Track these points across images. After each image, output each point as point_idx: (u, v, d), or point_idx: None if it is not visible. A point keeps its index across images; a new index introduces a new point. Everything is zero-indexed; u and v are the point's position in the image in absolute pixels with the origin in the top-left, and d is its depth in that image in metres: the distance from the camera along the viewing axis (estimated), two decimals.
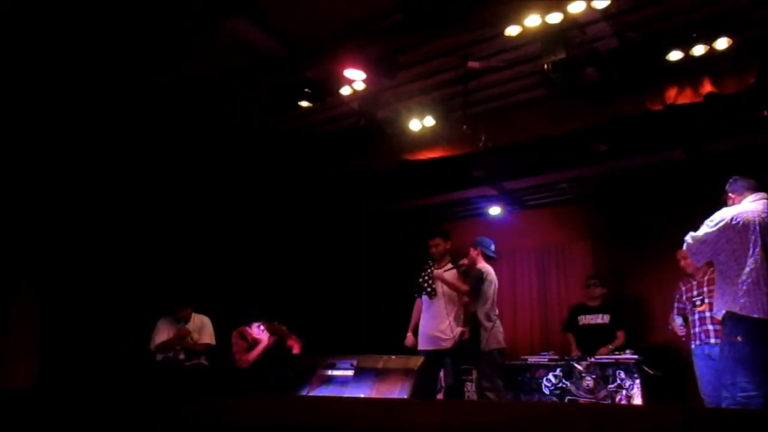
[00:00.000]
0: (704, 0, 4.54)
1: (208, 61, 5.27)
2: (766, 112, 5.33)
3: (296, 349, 5.64)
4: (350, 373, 4.73)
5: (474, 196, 7.90)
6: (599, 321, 6.67)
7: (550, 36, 4.61)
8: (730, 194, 3.95)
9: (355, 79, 5.17)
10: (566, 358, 6.32)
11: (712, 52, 4.66)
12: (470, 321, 5.62)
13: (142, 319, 6.05)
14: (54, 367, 5.86)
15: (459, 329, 5.54)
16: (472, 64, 5.21)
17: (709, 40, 4.61)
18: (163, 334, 5.89)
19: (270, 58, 5.20)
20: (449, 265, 5.79)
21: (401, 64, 5.14)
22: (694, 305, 5.17)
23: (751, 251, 3.61)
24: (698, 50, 4.66)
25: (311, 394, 4.59)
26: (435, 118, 5.83)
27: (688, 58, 4.73)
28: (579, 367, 6.05)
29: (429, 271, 5.81)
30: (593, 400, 5.90)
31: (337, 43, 4.98)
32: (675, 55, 4.74)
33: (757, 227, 3.63)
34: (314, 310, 7.33)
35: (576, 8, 4.32)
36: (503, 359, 5.80)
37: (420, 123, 5.87)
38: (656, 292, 6.90)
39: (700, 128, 5.75)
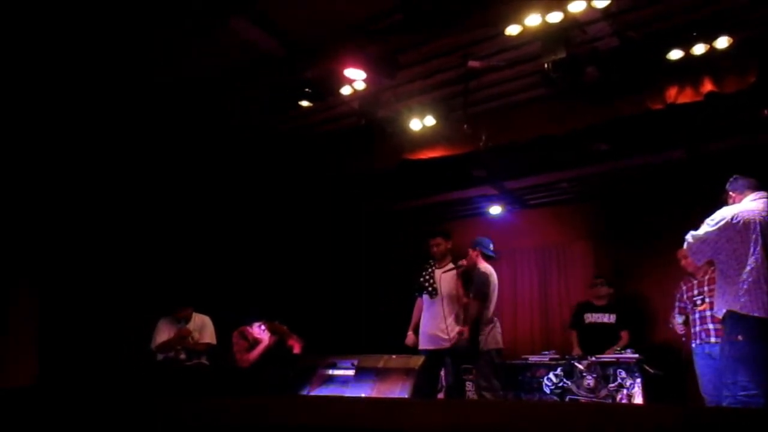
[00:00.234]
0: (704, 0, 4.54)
1: (208, 61, 5.27)
2: (766, 112, 5.33)
3: (297, 349, 5.65)
4: (351, 372, 4.72)
5: (474, 196, 7.90)
6: (605, 320, 6.67)
7: (550, 35, 4.61)
8: (730, 193, 3.95)
9: (356, 78, 5.17)
10: (567, 357, 6.33)
11: (712, 51, 4.66)
12: (475, 321, 5.56)
13: (142, 318, 6.05)
14: (54, 366, 5.86)
15: (458, 329, 5.53)
16: (473, 63, 5.21)
17: (709, 39, 4.61)
18: (163, 333, 5.89)
19: (270, 58, 5.20)
20: (450, 265, 5.78)
21: (401, 64, 5.13)
22: (695, 304, 5.18)
23: (751, 250, 3.61)
24: (699, 49, 4.65)
25: (312, 393, 4.59)
26: (435, 117, 5.83)
27: (689, 57, 4.73)
28: (580, 367, 6.05)
29: (430, 270, 5.81)
30: (594, 400, 5.89)
31: (337, 43, 4.98)
32: (675, 54, 4.74)
33: (758, 226, 3.63)
34: (315, 310, 7.33)
35: (576, 7, 4.32)
36: (501, 359, 5.81)
37: (420, 122, 5.87)
38: (657, 291, 6.91)
39: (700, 128, 5.75)
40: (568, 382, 6.09)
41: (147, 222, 6.65)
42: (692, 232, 3.86)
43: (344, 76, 5.15)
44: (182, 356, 5.89)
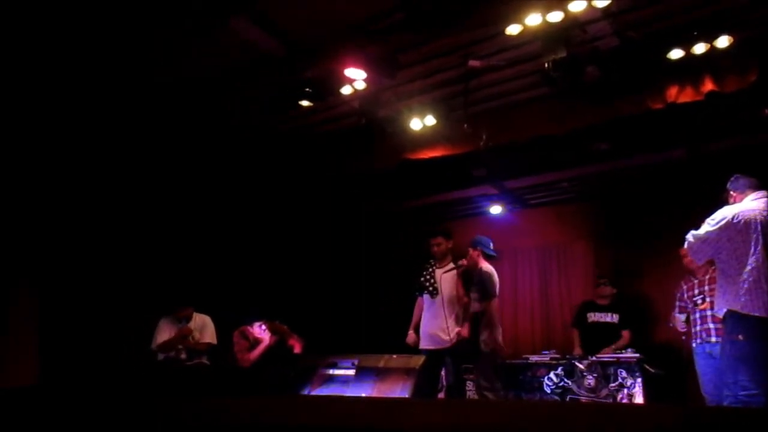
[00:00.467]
0: None
1: (208, 61, 5.27)
2: (767, 111, 5.33)
3: (297, 349, 5.65)
4: (351, 372, 4.72)
5: (475, 195, 7.89)
6: (608, 320, 6.67)
7: (550, 35, 4.61)
8: (731, 192, 3.95)
9: (356, 78, 5.17)
10: (567, 356, 6.33)
11: (713, 51, 4.66)
12: (475, 321, 5.56)
13: (143, 318, 6.05)
14: (55, 366, 5.86)
15: (457, 329, 5.53)
16: (473, 63, 5.21)
17: (710, 38, 4.61)
18: (164, 333, 5.89)
19: (270, 58, 5.20)
20: (451, 265, 5.78)
21: (402, 64, 5.13)
22: (695, 304, 5.18)
23: (752, 250, 3.61)
24: (699, 48, 4.65)
25: (312, 393, 4.59)
26: (436, 117, 5.83)
27: (689, 57, 4.72)
28: (580, 366, 6.05)
29: (431, 270, 5.81)
30: (595, 399, 5.89)
31: (337, 43, 4.98)
32: (676, 54, 4.73)
33: (759, 226, 3.63)
34: (315, 310, 7.33)
35: (577, 7, 4.32)
36: (502, 359, 5.79)
37: (421, 122, 5.87)
38: (657, 291, 6.91)
39: (701, 127, 5.74)
40: (569, 382, 6.09)
41: (147, 222, 6.65)
42: (693, 232, 3.86)
43: (344, 76, 5.15)
44: (183, 356, 5.89)
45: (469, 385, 6.30)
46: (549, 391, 6.18)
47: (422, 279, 5.79)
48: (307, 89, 5.31)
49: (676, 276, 5.65)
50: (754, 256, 3.59)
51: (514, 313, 8.01)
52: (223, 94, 5.77)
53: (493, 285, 5.61)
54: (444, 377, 5.82)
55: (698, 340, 5.09)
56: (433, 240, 5.86)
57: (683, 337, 5.43)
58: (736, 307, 3.60)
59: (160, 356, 5.90)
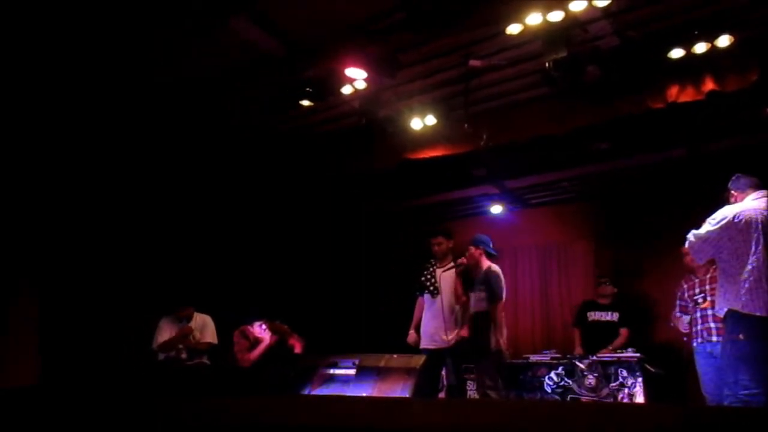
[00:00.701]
0: None
1: (208, 61, 5.27)
2: (767, 111, 5.32)
3: (298, 349, 5.65)
4: (352, 372, 4.72)
5: (475, 195, 7.89)
6: (608, 318, 6.68)
7: (551, 34, 4.61)
8: (732, 192, 3.94)
9: (356, 78, 5.17)
10: (568, 356, 6.33)
11: (713, 50, 4.65)
12: (482, 320, 5.51)
13: (143, 318, 6.05)
14: (55, 366, 5.86)
15: (457, 329, 5.52)
16: (474, 62, 5.21)
17: (710, 37, 4.60)
18: (165, 333, 5.89)
19: (270, 58, 5.20)
20: (451, 264, 5.78)
21: (402, 63, 5.13)
22: (696, 303, 5.17)
23: (753, 249, 3.60)
24: (700, 48, 4.65)
25: (313, 393, 4.59)
26: (436, 116, 5.83)
27: (690, 56, 4.72)
28: (581, 366, 6.05)
29: (431, 269, 5.81)
30: (595, 399, 5.89)
31: (337, 43, 4.98)
32: (676, 53, 4.73)
33: (760, 225, 3.63)
34: (316, 310, 7.33)
35: (577, 6, 4.32)
36: (506, 358, 5.78)
37: (421, 122, 5.87)
38: (657, 290, 6.91)
39: (701, 127, 5.74)
40: (570, 381, 6.08)
41: (148, 222, 6.65)
42: (694, 231, 3.86)
43: (345, 76, 5.15)
44: (183, 356, 5.89)
45: (470, 385, 6.29)
46: (550, 391, 6.18)
47: (423, 279, 5.79)
48: (308, 89, 5.32)
49: (676, 276, 5.65)
50: (755, 256, 3.59)
51: (515, 312, 8.00)
52: (223, 94, 5.77)
53: (502, 286, 5.51)
54: (445, 377, 5.82)
55: (699, 340, 5.09)
56: (434, 240, 5.86)
57: (685, 338, 5.42)
58: (737, 307, 3.60)
59: (161, 356, 5.90)
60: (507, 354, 5.74)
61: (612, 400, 5.80)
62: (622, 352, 6.05)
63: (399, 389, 4.30)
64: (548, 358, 6.38)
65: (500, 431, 1.89)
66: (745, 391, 3.47)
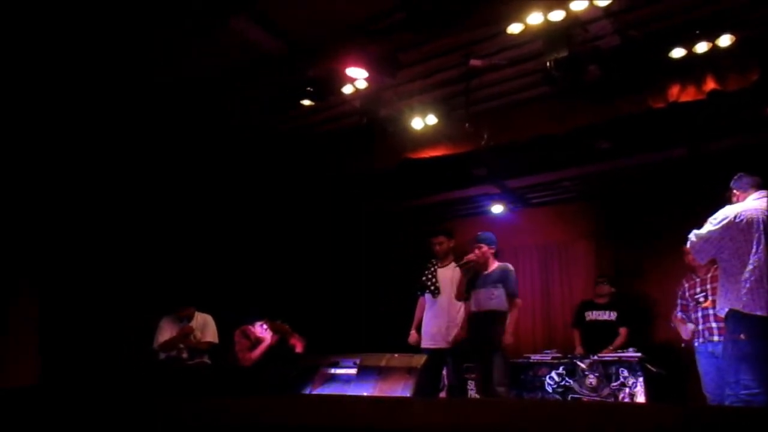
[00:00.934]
0: None
1: (209, 61, 5.27)
2: None
3: (299, 348, 5.65)
4: (353, 371, 4.73)
5: (476, 195, 7.89)
6: (606, 318, 6.69)
7: (552, 34, 4.61)
8: (734, 191, 3.93)
9: (357, 77, 5.17)
10: (569, 356, 6.33)
11: (714, 50, 4.65)
12: (498, 319, 5.35)
13: (144, 318, 6.05)
14: (56, 366, 5.87)
15: (456, 330, 5.50)
16: (474, 62, 5.21)
17: (711, 37, 4.60)
18: (166, 332, 5.89)
19: (271, 58, 5.20)
20: (452, 264, 5.77)
21: (403, 63, 5.13)
22: (698, 302, 5.16)
23: (754, 249, 3.60)
24: (701, 47, 4.64)
25: (314, 392, 4.60)
26: (437, 116, 5.82)
27: (691, 56, 4.72)
28: (582, 365, 6.04)
29: (432, 269, 5.80)
30: (596, 399, 5.89)
31: (338, 42, 4.98)
32: (677, 53, 4.73)
33: (761, 225, 3.62)
34: (317, 309, 7.33)
35: (578, 6, 4.32)
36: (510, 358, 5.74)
37: (422, 121, 5.86)
38: (658, 290, 6.90)
39: (702, 126, 5.74)
40: (571, 381, 6.08)
41: (148, 221, 6.65)
42: (695, 231, 3.85)
43: (345, 75, 5.15)
44: (184, 355, 5.89)
45: (471, 385, 6.29)
46: (551, 391, 6.18)
47: (424, 278, 5.79)
48: (309, 88, 5.32)
49: (677, 275, 5.64)
50: (756, 256, 3.58)
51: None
52: (223, 94, 5.77)
53: (515, 283, 5.48)
54: (446, 377, 5.82)
55: (700, 339, 5.08)
56: (435, 239, 5.86)
57: (683, 344, 5.41)
58: (738, 307, 3.59)
59: (162, 355, 5.90)
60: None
61: (613, 399, 5.79)
62: (623, 352, 6.05)
63: (400, 389, 4.31)
64: (549, 358, 6.38)
65: (501, 431, 1.89)
66: (746, 391, 3.47)
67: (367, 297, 8.09)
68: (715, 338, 4.90)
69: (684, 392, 6.05)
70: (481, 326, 5.30)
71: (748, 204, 3.76)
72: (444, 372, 5.80)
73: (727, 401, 3.63)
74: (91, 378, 5.75)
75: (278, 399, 3.03)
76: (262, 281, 6.93)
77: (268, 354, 5.57)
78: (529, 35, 4.72)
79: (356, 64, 5.02)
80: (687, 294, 5.30)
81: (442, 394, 5.90)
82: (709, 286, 5.05)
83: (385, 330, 6.47)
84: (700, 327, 5.09)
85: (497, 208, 7.93)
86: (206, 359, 6.02)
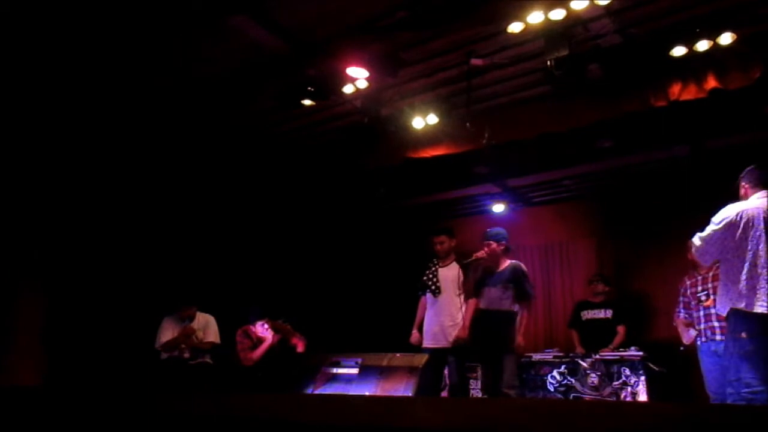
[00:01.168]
0: None
1: (210, 61, 5.27)
2: None
3: (300, 348, 5.65)
4: (355, 371, 4.73)
5: (478, 194, 7.90)
6: (601, 316, 6.69)
7: (553, 33, 4.61)
8: (743, 184, 3.89)
9: (358, 77, 5.17)
10: (571, 355, 6.32)
11: (716, 48, 4.64)
12: (510, 320, 5.25)
13: (147, 318, 6.06)
14: (60, 365, 5.88)
15: (457, 329, 5.49)
16: (476, 61, 5.21)
17: (713, 35, 4.59)
18: (168, 332, 5.91)
19: (273, 57, 5.20)
20: (454, 263, 5.77)
21: (404, 62, 5.14)
22: (699, 300, 5.14)
23: (755, 248, 3.60)
24: (702, 45, 4.63)
25: (316, 392, 4.60)
26: (438, 115, 5.82)
27: (692, 54, 4.71)
28: (584, 364, 6.04)
29: (434, 269, 5.80)
30: (598, 397, 5.89)
31: (339, 42, 4.98)
32: (679, 51, 4.72)
33: (761, 223, 3.62)
34: (318, 309, 7.33)
35: (579, 5, 4.32)
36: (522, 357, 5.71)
37: (423, 120, 5.86)
38: (660, 288, 6.90)
39: (704, 124, 5.73)
40: (572, 380, 6.08)
41: (152, 222, 6.66)
42: (699, 234, 3.84)
43: (347, 75, 5.15)
44: (186, 355, 5.90)
45: (473, 384, 6.29)
46: (552, 390, 6.18)
47: (425, 278, 5.78)
48: (310, 88, 5.32)
49: (678, 273, 5.62)
50: (756, 254, 3.58)
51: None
52: (224, 94, 5.77)
53: (528, 282, 5.31)
54: (447, 376, 5.82)
55: (702, 338, 5.07)
56: (436, 238, 5.84)
57: (681, 348, 5.39)
58: (739, 305, 3.59)
59: (164, 355, 5.91)
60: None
61: (615, 398, 5.79)
62: (624, 351, 6.04)
63: (402, 388, 4.30)
64: (551, 357, 6.38)
65: (502, 430, 1.89)
66: (748, 389, 3.46)
67: (370, 296, 8.09)
68: (718, 337, 4.89)
69: (686, 391, 6.05)
70: (491, 326, 5.17)
71: (751, 203, 3.75)
72: (445, 371, 5.80)
73: (729, 399, 3.63)
74: (94, 377, 5.76)
75: (281, 398, 3.03)
76: (264, 281, 6.94)
77: (269, 354, 5.58)
78: (530, 34, 4.72)
79: (357, 63, 5.02)
80: (689, 291, 5.28)
81: (444, 394, 5.90)
82: (710, 285, 5.04)
83: (386, 329, 6.46)
84: (702, 326, 5.08)
85: (498, 207, 7.92)
86: (208, 359, 6.03)
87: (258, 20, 4.73)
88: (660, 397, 5.81)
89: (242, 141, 6.63)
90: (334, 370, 4.86)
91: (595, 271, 7.28)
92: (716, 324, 4.93)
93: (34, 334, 5.93)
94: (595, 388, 5.93)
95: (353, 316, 7.75)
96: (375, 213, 8.25)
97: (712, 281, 4.99)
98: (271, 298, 6.34)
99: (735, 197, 3.88)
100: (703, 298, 5.10)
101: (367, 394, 4.35)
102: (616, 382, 5.84)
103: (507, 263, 5.31)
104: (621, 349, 6.15)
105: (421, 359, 4.56)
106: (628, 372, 5.82)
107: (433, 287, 5.70)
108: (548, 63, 4.71)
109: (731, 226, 3.67)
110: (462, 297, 5.64)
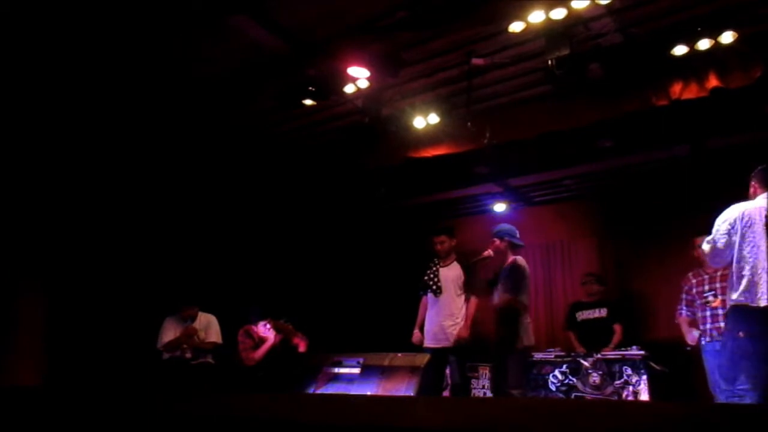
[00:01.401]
0: None
1: (211, 61, 5.28)
2: None
3: (302, 348, 5.65)
4: (356, 370, 4.74)
5: (479, 193, 7.89)
6: (596, 315, 6.68)
7: (554, 32, 4.61)
8: (753, 183, 3.89)
9: (359, 76, 5.17)
10: (572, 354, 6.31)
11: (717, 47, 4.63)
12: (508, 317, 5.12)
13: (148, 317, 6.07)
14: (61, 365, 5.89)
15: (458, 329, 5.48)
16: (476, 60, 5.21)
17: (713, 34, 4.58)
18: (169, 332, 5.91)
19: (274, 57, 5.20)
20: (455, 263, 5.77)
21: (405, 62, 5.13)
22: (706, 301, 5.09)
23: (755, 246, 3.61)
24: (703, 45, 4.63)
25: (317, 392, 4.60)
26: (439, 115, 5.82)
27: (693, 53, 4.70)
28: (585, 364, 6.04)
29: (434, 268, 5.80)
30: (600, 397, 5.89)
31: (340, 41, 4.98)
32: (680, 50, 4.71)
33: (762, 221, 3.63)
34: (320, 309, 7.33)
35: (580, 4, 4.32)
36: (529, 357, 5.65)
37: (424, 120, 5.86)
38: (661, 287, 6.88)
39: (705, 123, 5.72)
40: (574, 379, 6.08)
41: (153, 222, 6.66)
42: (707, 241, 3.83)
43: (347, 74, 5.15)
44: (188, 355, 5.90)
45: (474, 384, 6.28)
46: (554, 389, 6.18)
47: (426, 278, 5.78)
48: (310, 88, 5.32)
49: (680, 272, 5.60)
50: (755, 253, 3.60)
51: None
52: (224, 93, 5.77)
53: (525, 278, 5.19)
54: (449, 376, 5.81)
55: (707, 338, 5.03)
56: (436, 238, 5.84)
57: (687, 348, 5.37)
58: (740, 301, 3.61)
59: (166, 355, 5.92)
60: (531, 352, 5.44)
61: (616, 398, 5.79)
62: (626, 350, 6.03)
63: (403, 388, 4.31)
64: (553, 356, 6.37)
65: (504, 430, 1.89)
66: (742, 386, 3.48)
67: (371, 296, 8.09)
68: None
69: (688, 390, 6.04)
70: (497, 325, 5.14)
71: (755, 203, 3.76)
72: (447, 371, 5.79)
73: (722, 397, 3.66)
74: (95, 378, 5.76)
75: (283, 398, 3.03)
76: (265, 281, 6.94)
77: (271, 353, 5.58)
78: (531, 33, 4.72)
79: (358, 63, 5.02)
80: (694, 290, 5.23)
81: (446, 393, 5.90)
82: (718, 285, 5.00)
83: (388, 329, 6.46)
84: (708, 326, 5.04)
85: (499, 207, 7.92)
86: (210, 359, 6.03)
87: (258, 20, 4.73)
88: (662, 397, 5.80)
89: (242, 141, 6.63)
90: (336, 370, 4.87)
91: (588, 271, 7.24)
92: (723, 324, 4.91)
93: (34, 334, 5.93)
94: (597, 388, 5.93)
95: (355, 315, 7.75)
96: (376, 213, 8.25)
97: (720, 281, 4.95)
98: (273, 297, 6.34)
99: (736, 197, 3.89)
100: (711, 298, 5.05)
101: (368, 393, 4.35)
102: (618, 382, 5.84)
103: (511, 260, 5.26)
104: (623, 349, 6.14)
105: (422, 359, 4.56)
106: (629, 371, 5.81)
107: (434, 287, 5.70)
108: (549, 62, 4.71)
109: (734, 226, 3.68)
110: (463, 297, 5.65)
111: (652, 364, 5.85)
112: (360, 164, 6.67)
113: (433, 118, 5.83)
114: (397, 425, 2.04)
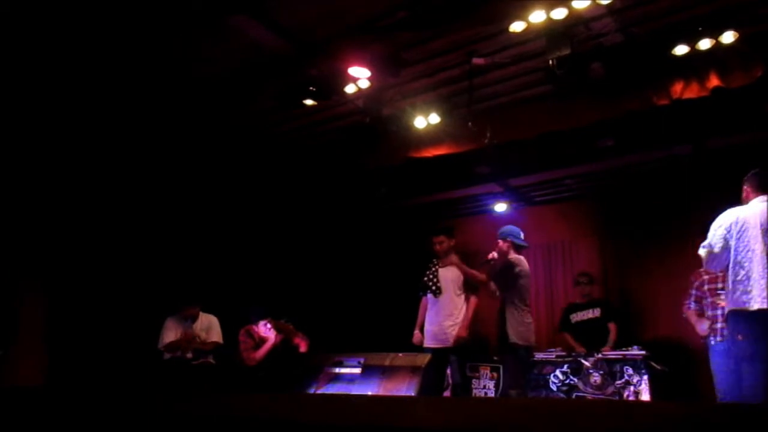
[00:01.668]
0: None
1: (211, 61, 5.28)
2: None
3: (303, 348, 5.66)
4: (357, 370, 4.74)
5: (480, 193, 7.89)
6: (590, 315, 6.69)
7: (554, 32, 4.60)
8: (745, 187, 3.90)
9: (360, 76, 5.17)
10: (573, 354, 6.31)
11: (718, 46, 4.63)
12: (501, 314, 5.19)
13: (149, 317, 6.07)
14: (62, 366, 5.89)
15: (458, 329, 5.47)
16: (477, 60, 5.20)
17: (714, 33, 4.58)
18: (171, 332, 5.92)
19: (275, 57, 5.21)
20: (454, 263, 5.76)
21: (406, 62, 5.13)
22: (719, 298, 5.03)
23: (752, 250, 3.62)
24: (704, 44, 4.63)
25: (318, 392, 4.60)
26: (440, 115, 5.82)
27: (694, 53, 4.70)
28: (586, 364, 6.04)
29: (434, 269, 5.80)
30: (601, 397, 5.88)
31: (340, 41, 4.98)
32: (681, 50, 4.70)
33: (758, 226, 3.63)
34: (321, 309, 7.34)
35: (580, 4, 4.31)
36: (530, 357, 5.63)
37: (425, 120, 5.86)
38: (663, 287, 6.87)
39: (706, 123, 5.72)
40: (575, 379, 6.08)
41: (154, 222, 6.67)
42: (702, 245, 3.83)
43: (348, 74, 5.15)
44: (189, 355, 5.91)
45: (475, 384, 6.28)
46: (555, 389, 6.17)
47: (425, 278, 5.78)
48: (312, 88, 5.32)
49: (681, 271, 5.59)
50: (753, 257, 3.60)
51: None
52: (225, 93, 5.77)
53: (516, 274, 5.17)
54: (450, 376, 5.82)
55: (717, 338, 4.98)
56: (436, 238, 5.84)
57: (702, 340, 5.32)
58: (738, 306, 3.62)
59: (167, 355, 5.92)
60: (531, 350, 5.40)
61: (617, 398, 5.79)
62: (627, 350, 6.03)
63: (404, 388, 4.31)
64: (554, 356, 6.36)
65: (504, 430, 1.89)
66: (745, 387, 3.50)
67: (372, 296, 8.09)
68: None
69: (689, 390, 6.04)
70: (499, 324, 5.16)
71: (749, 207, 3.77)
72: (448, 371, 5.80)
73: (727, 397, 3.67)
74: (96, 378, 5.77)
75: (284, 398, 3.03)
76: (266, 281, 6.94)
77: (272, 353, 5.58)
78: (532, 33, 4.72)
79: (359, 63, 5.02)
80: (705, 287, 5.13)
81: (446, 393, 5.90)
82: None
83: (389, 329, 6.46)
84: (719, 325, 4.99)
85: (500, 207, 7.92)
86: (211, 359, 6.04)
87: (258, 20, 4.73)
88: (663, 396, 5.80)
89: (243, 141, 6.63)
90: (337, 370, 4.87)
91: (588, 271, 7.23)
92: None
93: (35, 334, 5.94)
94: (598, 388, 5.92)
95: (356, 315, 7.75)
96: (376, 213, 8.25)
97: None
98: (274, 297, 6.34)
99: (736, 197, 3.89)
100: (723, 296, 5.00)
101: (369, 393, 4.35)
102: (619, 382, 5.84)
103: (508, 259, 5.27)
104: (623, 349, 6.14)
105: (423, 359, 4.56)
106: (630, 371, 5.81)
107: (433, 287, 5.70)
108: (550, 62, 4.70)
109: (730, 231, 3.70)
110: (463, 297, 5.65)
111: (653, 364, 5.84)
112: (360, 164, 6.67)
113: (434, 118, 5.83)
114: (397, 425, 2.04)
